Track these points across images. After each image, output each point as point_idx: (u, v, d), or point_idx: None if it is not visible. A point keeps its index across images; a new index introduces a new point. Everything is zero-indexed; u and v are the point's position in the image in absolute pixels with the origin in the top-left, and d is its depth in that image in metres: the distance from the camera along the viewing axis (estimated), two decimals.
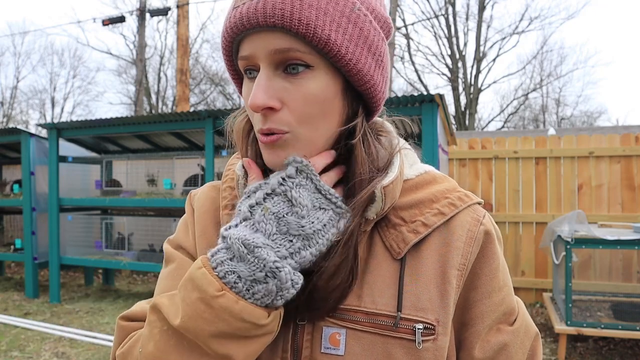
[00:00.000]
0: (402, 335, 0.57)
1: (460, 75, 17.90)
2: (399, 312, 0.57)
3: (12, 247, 6.09)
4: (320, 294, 0.56)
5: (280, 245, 0.53)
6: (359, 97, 0.60)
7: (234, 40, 0.57)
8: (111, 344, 3.76)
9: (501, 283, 0.63)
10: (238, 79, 0.65)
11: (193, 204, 0.73)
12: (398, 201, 0.62)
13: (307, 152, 0.58)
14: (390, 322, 0.57)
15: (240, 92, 0.65)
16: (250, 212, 0.55)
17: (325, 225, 0.55)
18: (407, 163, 0.66)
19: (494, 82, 19.38)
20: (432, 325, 0.57)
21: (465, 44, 18.35)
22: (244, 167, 0.65)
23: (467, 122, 17.51)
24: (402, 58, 18.13)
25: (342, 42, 0.55)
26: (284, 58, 0.55)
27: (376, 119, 0.67)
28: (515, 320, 0.64)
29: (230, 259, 0.52)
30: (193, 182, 4.87)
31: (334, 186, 0.61)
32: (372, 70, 0.59)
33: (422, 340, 0.56)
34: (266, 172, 0.62)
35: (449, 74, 18.14)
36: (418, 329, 0.56)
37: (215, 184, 0.74)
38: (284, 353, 0.59)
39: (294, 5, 0.52)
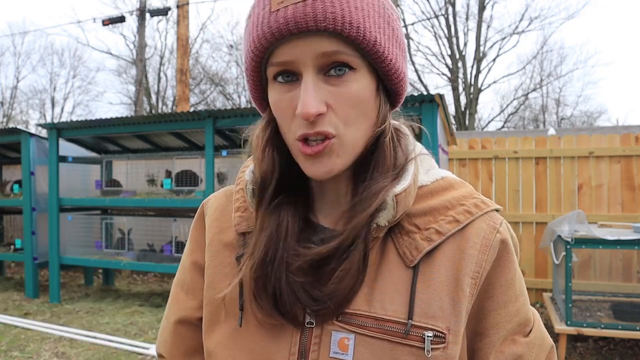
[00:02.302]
0: (412, 343, 0.56)
1: (460, 75, 17.89)
2: (410, 320, 0.56)
3: (12, 247, 6.09)
4: (327, 296, 0.56)
5: None
6: (387, 95, 0.61)
7: (272, 46, 0.55)
8: (111, 343, 3.78)
9: (517, 292, 0.62)
10: (260, 86, 0.62)
11: (205, 212, 0.74)
12: (412, 208, 0.60)
13: (349, 155, 0.57)
14: (400, 329, 0.56)
15: (256, 99, 0.64)
16: None
17: None
18: (423, 168, 0.65)
19: (494, 82, 19.38)
20: (442, 333, 0.56)
21: (465, 44, 18.34)
22: (253, 172, 0.65)
23: (467, 122, 17.50)
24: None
25: (385, 43, 0.55)
26: (328, 61, 0.54)
27: (392, 121, 0.66)
28: (530, 331, 0.63)
29: None
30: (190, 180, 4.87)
31: (349, 181, 0.62)
32: (404, 68, 0.60)
33: (432, 349, 0.55)
34: (285, 179, 0.62)
35: (449, 74, 18.14)
36: (428, 336, 0.55)
37: (229, 188, 0.74)
38: (291, 356, 0.58)
39: (343, 9, 0.52)
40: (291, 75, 0.56)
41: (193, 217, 0.76)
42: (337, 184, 0.63)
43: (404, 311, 0.57)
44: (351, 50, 0.54)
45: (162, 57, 21.28)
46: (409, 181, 0.59)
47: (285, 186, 0.63)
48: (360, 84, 0.55)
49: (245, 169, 0.69)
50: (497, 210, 0.64)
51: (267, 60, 0.57)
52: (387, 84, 0.59)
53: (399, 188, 0.57)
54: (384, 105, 0.60)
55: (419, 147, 0.65)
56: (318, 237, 0.62)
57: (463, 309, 0.58)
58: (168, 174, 5.12)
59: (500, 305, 0.60)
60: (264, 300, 0.58)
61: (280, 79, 0.56)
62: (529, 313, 0.63)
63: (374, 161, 0.59)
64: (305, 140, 0.56)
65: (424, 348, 0.55)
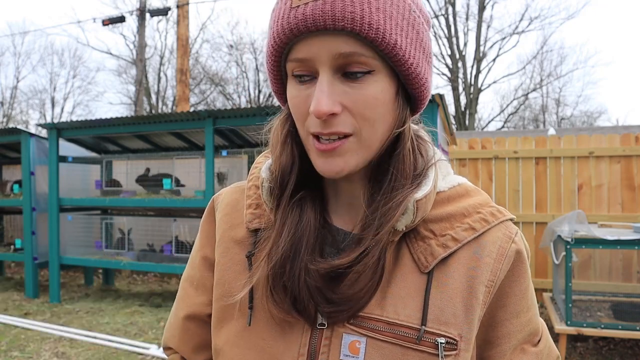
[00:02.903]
0: (424, 349, 0.55)
1: (460, 75, 17.89)
2: (423, 326, 0.56)
3: (12, 247, 6.09)
4: (341, 299, 0.56)
5: None
6: (408, 99, 0.60)
7: (290, 42, 0.54)
8: (111, 343, 3.78)
9: (529, 303, 0.62)
10: (280, 80, 0.62)
11: (215, 207, 0.73)
12: (429, 213, 0.60)
13: (362, 157, 0.57)
14: (412, 335, 0.56)
15: (277, 92, 0.64)
16: None
17: None
18: (441, 174, 0.65)
19: (494, 82, 19.39)
20: (454, 340, 0.56)
21: (465, 44, 18.41)
22: (269, 169, 0.64)
23: (467, 122, 17.51)
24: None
25: (406, 46, 0.54)
26: (345, 62, 0.53)
27: (413, 125, 0.66)
28: (539, 341, 0.64)
29: None
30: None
31: (364, 184, 0.61)
32: (427, 73, 0.59)
33: (445, 355, 0.55)
34: (304, 174, 0.61)
35: (449, 74, 18.14)
36: (440, 343, 0.55)
37: (240, 184, 0.73)
38: (300, 356, 0.58)
39: (363, 9, 0.51)
40: (306, 75, 0.55)
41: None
42: (351, 185, 0.63)
43: (418, 317, 0.56)
44: (370, 51, 0.53)
45: (162, 57, 21.29)
46: (430, 187, 0.58)
47: (304, 182, 0.62)
48: (377, 87, 0.54)
49: (259, 165, 0.68)
50: (511, 220, 0.64)
51: (286, 55, 0.57)
52: (408, 88, 0.58)
53: (420, 194, 0.57)
54: (403, 110, 0.59)
55: (438, 153, 0.65)
56: (335, 240, 0.61)
57: (476, 316, 0.58)
58: (147, 170, 5.20)
59: (512, 315, 0.61)
60: (282, 297, 0.58)
61: (299, 78, 0.56)
62: (538, 323, 0.64)
63: (393, 166, 0.58)
64: (318, 137, 0.56)
65: (436, 354, 0.55)
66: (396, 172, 0.58)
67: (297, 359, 0.58)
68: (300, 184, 0.62)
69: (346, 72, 0.54)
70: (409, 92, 0.59)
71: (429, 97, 0.62)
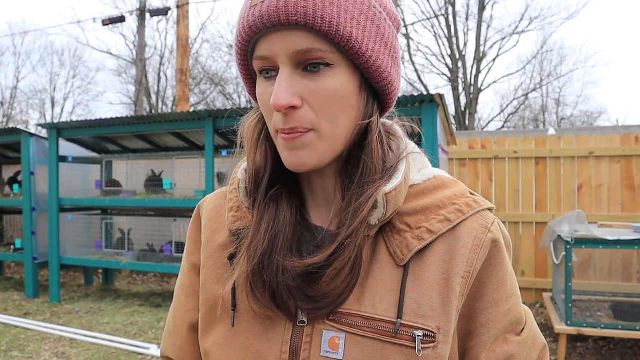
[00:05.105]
0: (402, 342, 0.56)
1: (460, 75, 17.88)
2: (399, 319, 0.56)
3: (12, 247, 6.09)
4: (320, 296, 0.56)
5: None
6: (374, 94, 0.60)
7: (252, 40, 0.56)
8: (111, 343, 3.78)
9: (509, 292, 0.62)
10: (250, 79, 0.63)
11: (201, 214, 0.74)
12: (403, 207, 0.60)
13: (326, 152, 0.57)
14: (390, 329, 0.56)
15: (250, 92, 0.65)
16: None
17: None
18: (416, 167, 0.65)
19: (494, 82, 19.34)
20: (432, 332, 0.56)
21: (465, 44, 18.35)
22: (246, 170, 0.65)
23: (467, 122, 17.50)
24: (402, 58, 18.13)
25: (362, 39, 0.55)
26: (304, 58, 0.54)
27: (385, 120, 0.66)
28: (522, 330, 0.63)
29: None
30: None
31: (336, 180, 0.62)
32: (390, 67, 0.59)
33: (422, 348, 0.56)
34: (278, 172, 0.62)
35: (449, 74, 18.13)
36: (418, 336, 0.56)
37: (223, 190, 0.74)
38: (282, 354, 0.59)
39: (316, 3, 0.52)
40: (271, 72, 0.57)
41: None
42: (324, 182, 0.64)
43: (394, 310, 0.57)
44: (326, 45, 0.54)
45: (162, 57, 21.29)
46: (400, 180, 0.59)
47: (279, 179, 0.63)
48: (337, 80, 0.55)
49: (239, 169, 0.69)
50: (490, 209, 0.64)
51: (252, 54, 0.58)
52: (371, 82, 0.59)
53: (389, 187, 0.57)
54: (368, 104, 0.60)
55: (411, 146, 0.65)
56: (313, 238, 0.62)
57: (453, 308, 0.58)
58: (153, 173, 5.24)
59: (491, 304, 0.60)
60: (261, 292, 0.58)
61: (264, 74, 0.58)
62: (521, 312, 0.64)
63: (363, 161, 0.59)
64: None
65: (414, 347, 0.56)
66: (366, 166, 0.58)
67: (280, 356, 0.59)
68: (276, 181, 0.63)
69: (306, 67, 0.55)
70: (373, 87, 0.60)
71: (397, 93, 0.62)
